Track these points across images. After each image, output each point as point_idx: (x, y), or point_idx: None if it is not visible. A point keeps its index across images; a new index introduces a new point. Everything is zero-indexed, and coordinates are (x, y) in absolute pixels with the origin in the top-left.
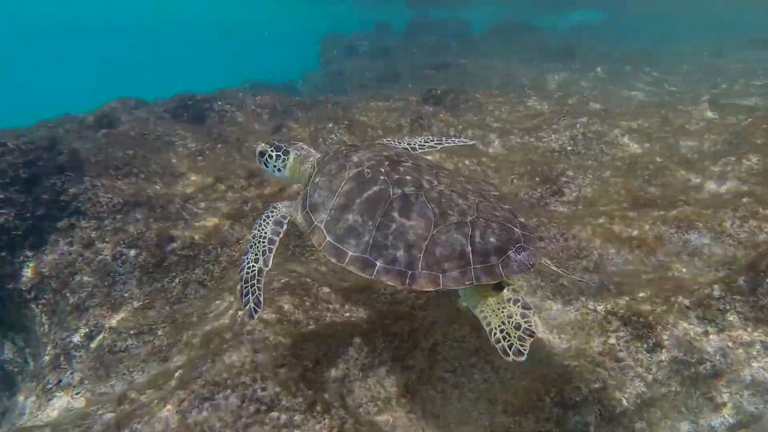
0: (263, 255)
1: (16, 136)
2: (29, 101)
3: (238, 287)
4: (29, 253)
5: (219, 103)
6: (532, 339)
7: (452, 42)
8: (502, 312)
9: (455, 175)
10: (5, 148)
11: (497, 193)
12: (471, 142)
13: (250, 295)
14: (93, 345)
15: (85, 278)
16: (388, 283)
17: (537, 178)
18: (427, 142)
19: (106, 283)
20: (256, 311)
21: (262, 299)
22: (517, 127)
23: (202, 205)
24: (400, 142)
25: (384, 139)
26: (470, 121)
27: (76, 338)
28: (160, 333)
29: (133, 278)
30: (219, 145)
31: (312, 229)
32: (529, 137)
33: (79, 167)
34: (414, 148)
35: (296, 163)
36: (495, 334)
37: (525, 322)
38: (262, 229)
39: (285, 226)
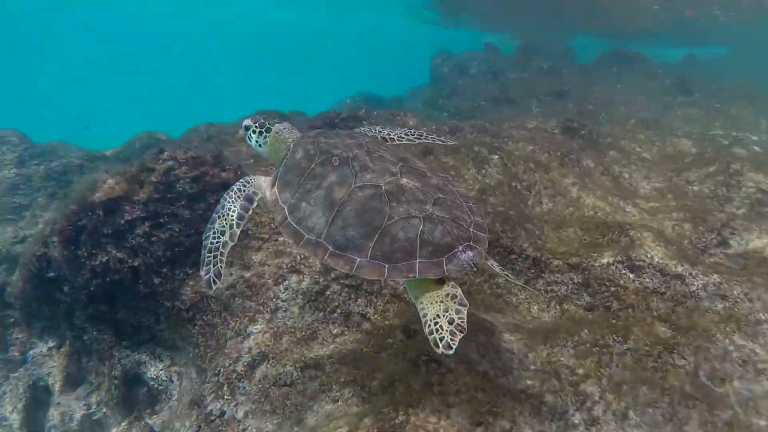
0: (230, 229)
1: (184, 150)
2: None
3: (202, 255)
4: (189, 271)
5: (365, 122)
6: (462, 335)
7: (563, 69)
8: (440, 305)
9: (422, 169)
10: (174, 162)
11: (461, 190)
12: (451, 143)
13: (212, 266)
14: (257, 376)
15: (248, 302)
16: (337, 268)
17: (699, 227)
18: (406, 135)
19: (268, 309)
20: (215, 282)
21: (222, 272)
22: (662, 167)
23: None
24: (380, 131)
25: (362, 128)
26: (615, 158)
27: (239, 367)
28: (327, 368)
29: (295, 305)
30: None
31: (276, 209)
32: (677, 179)
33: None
34: (392, 139)
35: (275, 142)
36: (429, 325)
37: (459, 317)
38: (233, 202)
39: (255, 203)
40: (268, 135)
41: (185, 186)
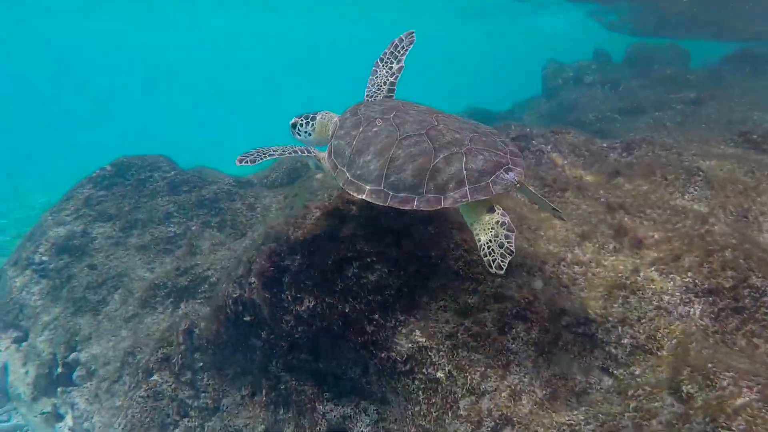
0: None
1: None
2: None
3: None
4: (401, 317)
5: (534, 142)
6: (511, 257)
7: (687, 74)
8: (491, 231)
9: (455, 116)
10: None
11: (492, 129)
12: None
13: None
14: None
15: (474, 355)
16: (399, 207)
17: None
18: None
19: (499, 363)
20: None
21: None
22: None
23: (577, 269)
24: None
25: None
26: None
27: None
28: None
29: (527, 359)
30: (567, 193)
31: (337, 173)
32: None
33: (442, 214)
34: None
35: (322, 126)
36: (483, 249)
37: (507, 242)
38: (295, 152)
39: (310, 154)
40: (314, 122)
41: (390, 222)
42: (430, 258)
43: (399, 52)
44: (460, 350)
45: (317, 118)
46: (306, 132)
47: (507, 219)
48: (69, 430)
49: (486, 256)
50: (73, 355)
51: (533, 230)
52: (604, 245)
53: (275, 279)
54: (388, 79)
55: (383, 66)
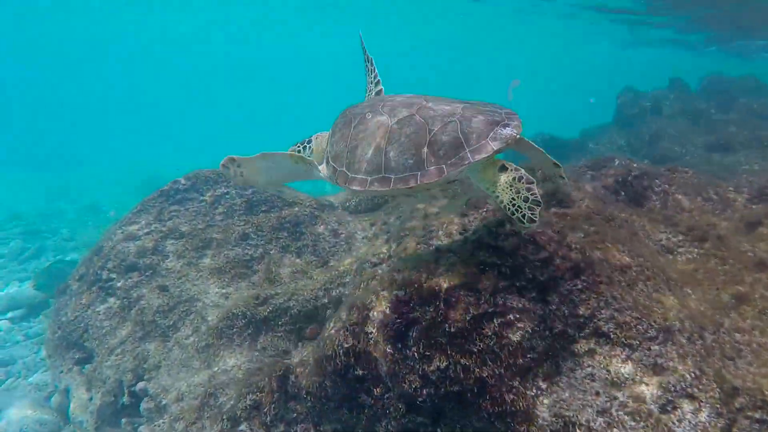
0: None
1: None
2: None
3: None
4: (542, 384)
5: (657, 181)
6: (540, 207)
7: None
8: (511, 189)
9: (442, 97)
10: (518, 236)
11: (485, 103)
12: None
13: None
14: None
15: None
16: (404, 186)
17: None
18: None
19: None
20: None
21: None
22: None
23: (739, 337)
24: None
25: None
26: None
27: None
28: None
29: None
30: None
31: (337, 174)
32: None
33: (590, 266)
34: None
35: (318, 144)
36: (508, 208)
37: (531, 194)
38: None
39: (307, 156)
40: (311, 144)
41: (535, 271)
42: (577, 317)
43: (365, 51)
44: (614, 428)
45: (312, 140)
46: (308, 155)
47: (522, 172)
48: None
49: (514, 214)
50: (140, 385)
51: (680, 287)
52: (765, 310)
53: (401, 332)
54: (369, 77)
55: (367, 74)
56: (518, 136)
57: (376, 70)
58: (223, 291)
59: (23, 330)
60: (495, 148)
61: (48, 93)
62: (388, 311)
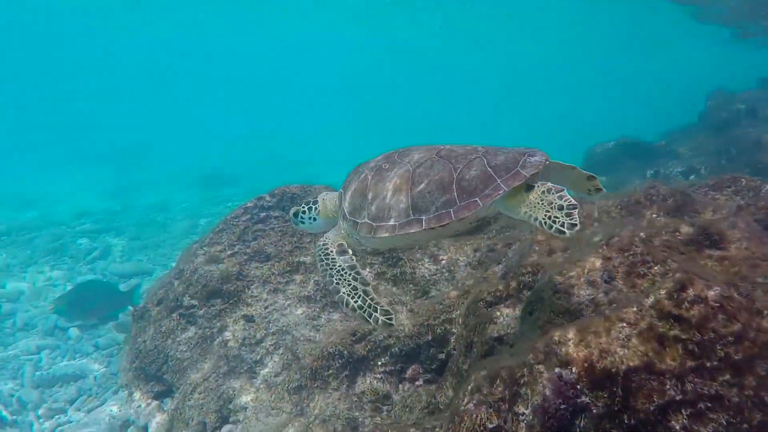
0: (357, 279)
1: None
2: None
3: (355, 315)
4: None
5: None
6: (577, 210)
7: None
8: (542, 204)
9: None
10: (704, 304)
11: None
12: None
13: (375, 312)
14: None
15: None
16: (440, 225)
17: None
18: None
19: None
20: (390, 319)
21: (387, 308)
22: None
23: None
24: None
25: None
26: None
27: None
28: None
29: None
30: None
31: (359, 227)
32: None
33: None
34: None
35: (324, 205)
36: (545, 222)
37: (564, 201)
38: (334, 265)
39: (351, 252)
40: (316, 205)
41: (727, 348)
42: None
43: None
44: None
45: (318, 200)
46: (310, 218)
47: (549, 184)
48: None
49: (551, 227)
50: (226, 428)
51: None
52: None
53: (565, 420)
54: None
55: None
56: (547, 162)
57: None
58: (314, 322)
59: (92, 339)
60: (527, 175)
61: (112, 89)
62: (548, 392)
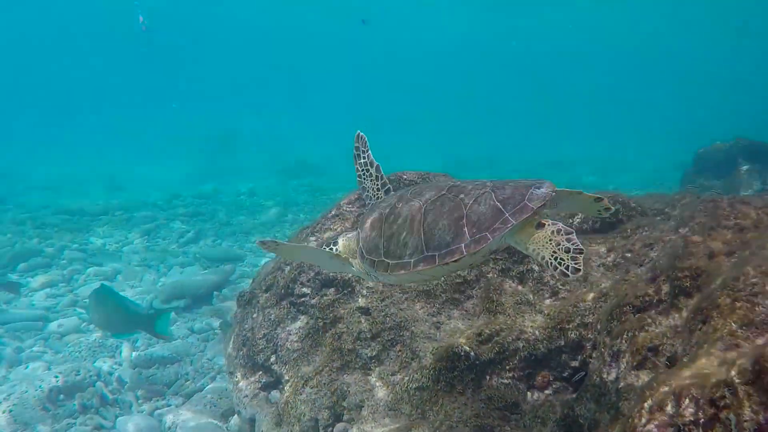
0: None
1: None
2: None
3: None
4: None
5: None
6: (582, 255)
7: None
8: (550, 243)
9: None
10: None
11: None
12: None
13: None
14: None
15: None
16: (451, 261)
17: None
18: None
19: None
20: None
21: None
22: None
23: None
24: None
25: None
26: None
27: None
28: None
29: None
30: None
31: (376, 266)
32: None
33: None
34: None
35: (345, 247)
36: (551, 263)
37: (572, 243)
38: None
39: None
40: (336, 246)
41: None
42: None
43: (363, 156)
44: None
45: (339, 242)
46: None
47: (560, 225)
48: None
49: (557, 268)
50: (339, 427)
51: None
52: None
53: None
54: (376, 184)
55: (365, 179)
56: (554, 193)
57: (380, 174)
58: (434, 319)
59: (187, 323)
60: (534, 207)
61: (204, 78)
62: (763, 420)
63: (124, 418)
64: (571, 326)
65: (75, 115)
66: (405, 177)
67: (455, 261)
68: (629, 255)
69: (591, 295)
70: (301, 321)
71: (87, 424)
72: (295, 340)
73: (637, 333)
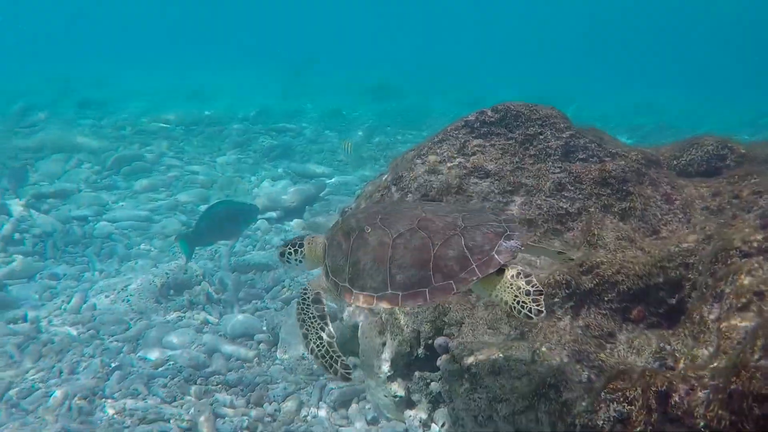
0: (324, 330)
1: None
2: None
3: (317, 362)
4: None
5: None
6: (542, 295)
7: None
8: (511, 288)
9: (438, 203)
10: None
11: (480, 205)
12: None
13: (335, 363)
14: None
15: None
16: (414, 305)
17: None
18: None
19: None
20: (348, 373)
21: (347, 363)
22: None
23: None
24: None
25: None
26: None
27: None
28: None
29: None
30: None
31: (340, 290)
32: None
33: None
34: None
35: (311, 249)
36: (513, 307)
37: (532, 286)
38: (307, 312)
39: (325, 301)
40: (302, 248)
41: None
42: None
43: None
44: None
45: (304, 243)
46: (296, 260)
47: (519, 268)
48: (422, 425)
49: (520, 312)
50: (439, 340)
51: None
52: None
53: None
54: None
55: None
56: (522, 248)
57: None
58: None
59: (279, 234)
60: (501, 262)
61: None
62: None
63: (228, 316)
64: (671, 265)
65: (162, 27)
66: (512, 107)
67: (418, 304)
68: (736, 201)
69: (693, 237)
70: None
71: (195, 319)
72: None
73: (742, 277)
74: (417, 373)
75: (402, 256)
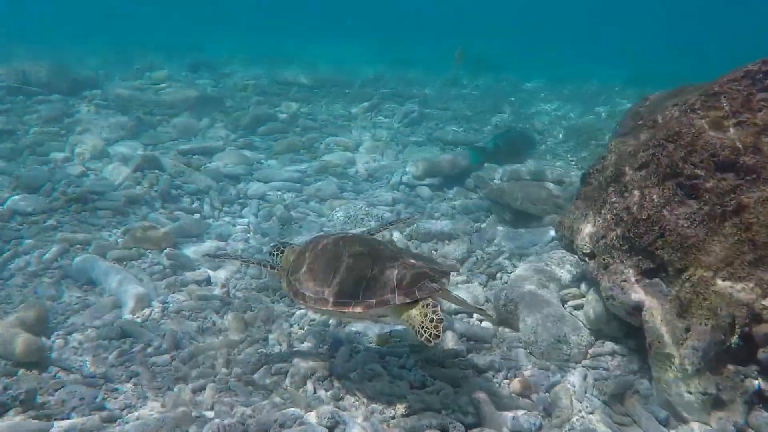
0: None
1: None
2: None
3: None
4: None
5: None
6: (442, 323)
7: None
8: (420, 315)
9: (393, 246)
10: None
11: (424, 254)
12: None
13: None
14: None
15: None
16: (340, 311)
17: None
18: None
19: None
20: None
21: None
22: None
23: None
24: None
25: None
26: None
27: None
28: None
29: None
30: None
31: (290, 288)
32: None
33: None
34: (371, 233)
35: (286, 255)
36: (418, 330)
37: (435, 314)
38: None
39: (269, 267)
40: (282, 254)
41: None
42: None
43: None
44: None
45: (285, 250)
46: (277, 262)
47: (429, 300)
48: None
49: (422, 336)
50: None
51: None
52: None
53: None
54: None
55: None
56: (440, 291)
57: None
58: None
59: (441, 200)
60: (418, 296)
61: None
62: None
63: None
64: None
65: None
66: None
67: (343, 312)
68: None
69: None
70: (690, 205)
71: None
72: (686, 225)
73: None
74: (730, 367)
75: (345, 271)
